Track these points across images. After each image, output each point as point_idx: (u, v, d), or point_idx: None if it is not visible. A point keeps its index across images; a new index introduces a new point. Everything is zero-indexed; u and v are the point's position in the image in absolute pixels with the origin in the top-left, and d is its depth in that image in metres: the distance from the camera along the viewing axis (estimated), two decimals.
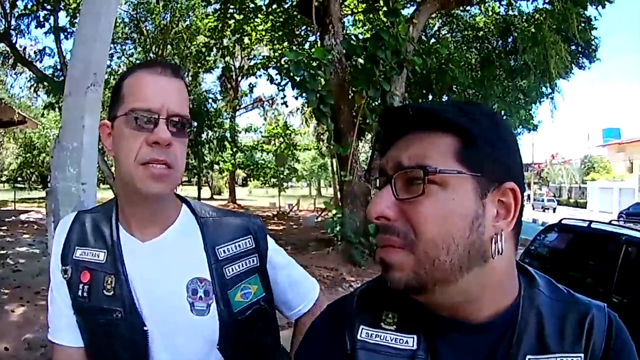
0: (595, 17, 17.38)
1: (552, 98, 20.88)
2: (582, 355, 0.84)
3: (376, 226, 0.89)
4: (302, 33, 19.59)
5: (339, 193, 12.62)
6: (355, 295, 1.03)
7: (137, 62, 24.66)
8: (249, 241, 1.46)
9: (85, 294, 1.32)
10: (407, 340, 0.92)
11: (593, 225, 6.79)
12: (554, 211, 41.35)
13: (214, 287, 1.35)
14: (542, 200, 46.87)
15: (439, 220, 0.82)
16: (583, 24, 16.99)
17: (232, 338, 1.37)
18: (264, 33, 19.72)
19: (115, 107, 1.29)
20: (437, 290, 0.84)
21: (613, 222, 7.47)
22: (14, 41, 16.19)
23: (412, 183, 0.85)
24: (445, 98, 19.16)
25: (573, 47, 18.42)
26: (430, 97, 19.54)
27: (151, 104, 1.22)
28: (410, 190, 0.85)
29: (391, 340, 0.93)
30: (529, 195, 54.84)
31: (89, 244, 1.37)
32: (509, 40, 18.54)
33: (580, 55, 19.46)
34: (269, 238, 1.54)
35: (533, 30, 16.48)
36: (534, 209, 45.09)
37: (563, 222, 7.61)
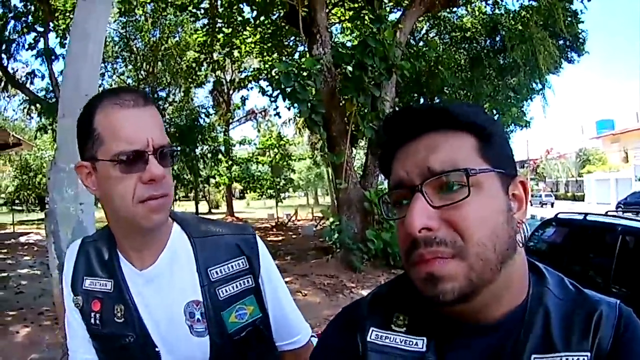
0: (581, 11, 17.44)
1: (543, 94, 20.88)
2: (589, 354, 0.80)
3: (412, 242, 0.84)
4: (291, 43, 19.58)
5: (335, 201, 12.63)
6: (368, 299, 1.04)
7: (129, 79, 24.72)
8: (242, 262, 1.44)
9: (97, 322, 1.38)
10: (416, 342, 0.93)
11: (589, 218, 6.82)
12: (552, 206, 41.17)
13: (206, 308, 1.37)
14: (540, 196, 46.67)
15: (484, 220, 0.82)
16: (569, 18, 17.07)
17: (227, 358, 1.40)
18: (253, 45, 19.76)
19: (91, 147, 1.27)
20: (480, 294, 0.84)
21: (609, 213, 7.49)
22: (4, 64, 16.19)
23: (447, 188, 0.83)
24: (436, 100, 19.20)
25: (561, 42, 18.41)
26: (421, 100, 19.56)
27: (137, 144, 1.21)
28: (445, 196, 0.83)
29: (400, 342, 0.94)
30: None
31: (96, 273, 1.41)
32: (497, 39, 18.56)
33: (569, 50, 19.41)
34: (265, 258, 1.51)
35: (520, 27, 16.58)
36: (531, 205, 44.79)
37: (559, 216, 7.65)
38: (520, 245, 0.87)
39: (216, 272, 1.40)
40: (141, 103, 1.25)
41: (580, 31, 18.56)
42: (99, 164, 1.24)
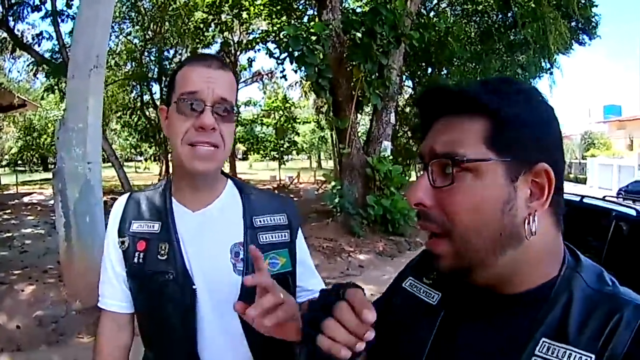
0: None
1: (551, 73, 20.71)
2: (593, 356, 0.79)
3: (417, 212, 0.94)
4: (301, 7, 19.51)
5: (338, 165, 12.64)
6: (422, 253, 1.16)
7: (135, 39, 24.57)
8: (282, 218, 1.62)
9: (141, 260, 1.51)
10: (433, 296, 1.06)
11: (585, 200, 6.85)
12: None
13: (245, 250, 1.50)
14: None
15: (472, 208, 0.86)
16: (583, 1, 16.92)
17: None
18: (262, 7, 19.69)
19: (169, 95, 1.47)
20: (477, 272, 0.90)
21: (607, 198, 7.49)
22: (11, 26, 16.12)
23: (446, 170, 0.88)
24: (444, 71, 19.13)
25: (573, 24, 18.26)
26: (429, 70, 19.51)
27: (198, 88, 1.38)
28: (444, 178, 0.88)
29: (422, 293, 1.09)
30: None
31: (144, 217, 1.57)
32: (509, 14, 18.37)
33: (580, 32, 19.30)
34: (299, 220, 1.70)
35: (533, 5, 16.35)
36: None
37: None
38: (527, 235, 0.86)
39: (259, 220, 1.58)
40: (216, 66, 1.44)
41: (593, 14, 18.41)
42: (170, 107, 1.45)
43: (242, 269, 1.50)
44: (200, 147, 1.39)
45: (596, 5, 17.99)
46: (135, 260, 1.51)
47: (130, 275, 1.53)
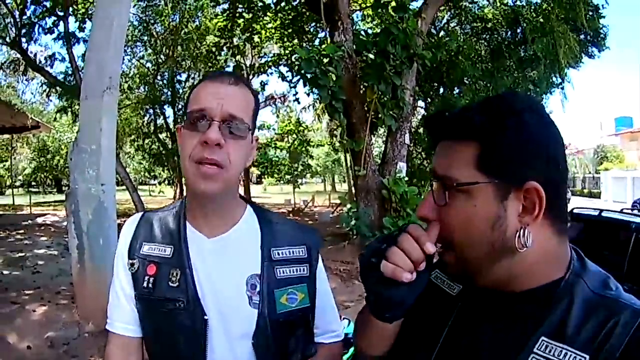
0: (602, 6, 17.20)
1: (562, 88, 20.57)
2: (588, 356, 0.84)
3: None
4: (312, 30, 19.53)
5: (353, 188, 12.62)
6: None
7: (148, 63, 24.75)
8: (302, 250, 1.56)
9: (150, 285, 1.46)
10: (455, 288, 1.17)
11: (604, 214, 6.81)
12: (569, 201, 40.94)
13: (261, 283, 1.46)
14: None
15: (464, 225, 0.96)
16: (591, 13, 16.85)
17: (268, 335, 1.46)
18: (273, 31, 19.71)
19: (185, 114, 1.45)
20: (479, 279, 1.02)
21: (624, 211, 7.45)
22: (24, 48, 16.31)
23: (443, 191, 0.98)
24: (456, 91, 19.11)
25: (582, 37, 18.20)
26: (441, 90, 19.48)
27: (206, 105, 1.35)
28: (442, 197, 0.99)
29: (445, 284, 1.20)
30: None
31: (156, 239, 1.51)
32: (518, 30, 18.35)
33: (589, 44, 19.19)
34: (320, 254, 1.64)
35: (541, 20, 16.34)
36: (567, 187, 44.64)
37: (575, 211, 7.64)
38: (519, 247, 0.93)
39: (278, 252, 1.52)
40: (229, 81, 1.40)
41: (601, 26, 18.30)
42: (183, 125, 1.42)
43: (257, 302, 1.46)
44: (204, 165, 1.33)
45: (603, 17, 17.92)
46: (145, 284, 1.46)
47: (139, 299, 1.48)
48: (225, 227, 1.51)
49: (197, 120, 1.36)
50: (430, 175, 1.05)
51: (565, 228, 1.01)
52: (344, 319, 4.37)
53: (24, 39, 15.89)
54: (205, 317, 1.42)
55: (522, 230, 0.93)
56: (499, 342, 0.97)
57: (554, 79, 19.67)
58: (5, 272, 9.83)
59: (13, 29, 15.92)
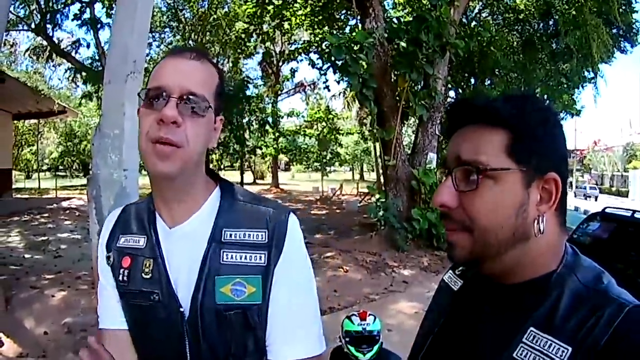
0: (636, 0, 17.00)
1: (594, 82, 20.48)
2: (571, 348, 0.86)
3: (440, 212, 1.06)
4: (342, 17, 19.45)
5: (382, 177, 12.51)
6: None
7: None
8: (262, 235, 1.32)
9: (125, 278, 1.35)
10: (458, 284, 1.23)
11: (637, 215, 6.68)
12: (596, 199, 40.50)
13: (201, 266, 1.28)
14: (585, 188, 45.94)
15: (491, 211, 0.97)
16: (624, 7, 16.74)
17: (197, 327, 1.29)
18: (303, 18, 19.59)
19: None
20: (488, 264, 1.02)
21: None
22: (50, 34, 16.46)
23: (469, 176, 0.98)
24: (487, 82, 18.95)
25: (614, 31, 18.07)
26: (472, 80, 19.36)
27: (163, 82, 1.24)
28: (467, 183, 0.99)
29: (452, 282, 1.26)
30: (571, 183, 53.85)
31: (131, 230, 1.40)
32: (550, 22, 18.22)
33: (622, 39, 19.09)
34: (293, 244, 1.36)
35: (574, 12, 16.13)
36: (575, 196, 44.30)
37: (606, 210, 7.50)
38: (536, 233, 0.97)
39: (229, 234, 1.31)
40: (189, 56, 1.28)
41: (634, 21, 18.18)
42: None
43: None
44: (159, 145, 1.21)
45: (636, 11, 17.78)
46: (120, 277, 1.36)
47: (119, 293, 1.38)
48: (185, 215, 1.35)
49: (154, 98, 1.24)
50: (446, 161, 1.06)
51: (565, 222, 1.06)
52: (369, 315, 4.26)
53: (49, 26, 16.01)
54: (181, 309, 1.28)
55: (540, 218, 0.97)
56: (494, 332, 1.01)
57: (586, 73, 19.52)
58: (27, 255, 9.98)
59: (39, 15, 16.03)
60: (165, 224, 1.35)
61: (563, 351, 0.87)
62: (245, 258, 1.28)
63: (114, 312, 1.39)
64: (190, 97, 1.24)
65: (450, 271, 1.30)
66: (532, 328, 0.93)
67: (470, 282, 1.18)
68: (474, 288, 1.15)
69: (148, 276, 1.31)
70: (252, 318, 1.28)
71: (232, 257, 1.28)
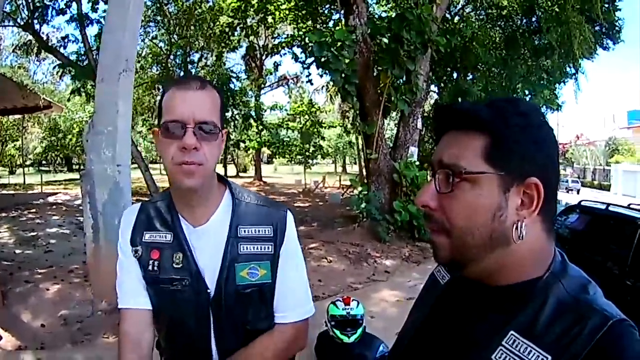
0: None
1: (576, 79, 20.53)
2: (550, 357, 0.87)
3: (423, 213, 1.07)
4: (326, 11, 19.36)
5: (364, 170, 12.64)
6: None
7: (161, 43, 24.74)
8: (268, 229, 1.70)
9: (155, 268, 1.66)
10: (445, 278, 1.26)
11: (610, 208, 6.86)
12: (578, 193, 40.36)
13: (223, 255, 1.64)
14: (567, 182, 45.82)
15: (467, 213, 0.99)
16: (607, 5, 16.80)
17: (221, 304, 1.65)
18: (287, 12, 19.65)
19: (159, 118, 1.59)
20: (470, 267, 1.03)
21: (632, 206, 7.44)
22: (37, 29, 16.31)
23: (449, 179, 1.00)
24: (469, 77, 19.05)
25: (597, 28, 18.10)
26: (455, 75, 19.43)
27: (179, 116, 1.49)
28: (447, 185, 1.00)
29: (440, 275, 1.30)
30: None
31: (156, 228, 1.70)
32: (533, 19, 18.25)
33: (604, 37, 19.12)
34: (291, 236, 1.76)
35: (557, 9, 16.22)
36: (558, 189, 44.45)
37: (583, 203, 7.69)
38: (515, 239, 0.98)
39: (244, 230, 1.68)
40: (195, 87, 1.54)
41: (616, 19, 18.23)
42: (159, 130, 1.56)
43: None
44: (185, 166, 1.50)
45: (619, 9, 17.85)
46: (150, 267, 1.66)
47: (147, 281, 1.68)
48: (205, 216, 1.68)
49: (172, 128, 1.50)
50: (432, 163, 1.08)
51: (553, 228, 1.06)
52: (353, 300, 4.46)
53: (36, 21, 15.87)
54: (208, 291, 1.64)
55: (519, 223, 0.97)
56: (475, 332, 1.02)
57: (568, 69, 19.61)
58: (17, 251, 10.01)
59: (25, 10, 15.87)
60: (189, 224, 1.67)
61: (542, 359, 0.88)
62: (257, 248, 1.68)
63: (135, 294, 1.69)
64: (203, 125, 1.51)
65: (440, 267, 1.32)
66: (513, 332, 0.93)
67: (457, 279, 1.19)
68: (460, 285, 1.16)
69: (179, 266, 1.63)
70: (265, 293, 1.69)
71: (247, 248, 1.66)
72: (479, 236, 0.98)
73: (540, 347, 0.89)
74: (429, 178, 1.24)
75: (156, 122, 1.66)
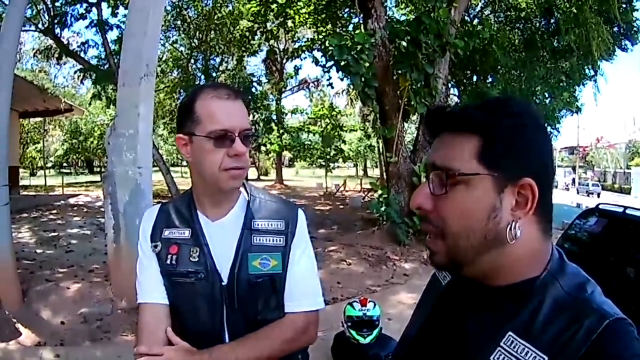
0: None
1: (595, 80, 20.34)
2: (547, 357, 0.88)
3: (419, 215, 1.10)
4: (346, 15, 19.49)
5: (384, 174, 12.66)
6: None
7: (181, 47, 24.87)
8: (280, 224, 1.82)
9: (174, 262, 1.76)
10: (446, 278, 1.27)
11: (628, 211, 6.83)
12: (598, 196, 39.97)
13: (237, 246, 1.75)
14: (587, 185, 45.46)
15: (461, 214, 1.00)
16: (624, 6, 16.71)
17: (233, 292, 1.75)
18: (307, 16, 19.70)
19: (190, 125, 1.67)
20: (466, 269, 1.04)
21: None
22: (57, 34, 16.53)
23: (443, 181, 1.01)
24: (489, 79, 18.99)
25: (615, 29, 17.97)
26: (474, 78, 19.36)
27: (228, 126, 1.63)
28: (441, 187, 1.01)
29: (442, 276, 1.30)
30: (573, 179, 53.59)
31: (175, 224, 1.82)
32: (552, 21, 18.13)
33: (623, 38, 18.93)
34: (302, 231, 1.87)
35: (575, 10, 16.12)
36: (578, 193, 43.95)
37: (600, 206, 7.66)
38: (509, 239, 0.98)
39: (257, 224, 1.80)
40: (233, 97, 1.67)
41: (634, 19, 18.08)
42: (196, 138, 1.66)
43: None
44: (234, 171, 1.66)
45: (637, 10, 17.69)
46: (168, 261, 1.76)
47: (164, 275, 1.77)
48: (225, 211, 1.82)
49: (221, 137, 1.63)
50: (427, 166, 1.09)
51: (550, 228, 1.05)
52: (369, 301, 4.52)
53: (56, 26, 16.10)
54: (223, 283, 1.74)
55: (513, 223, 0.97)
56: (474, 332, 1.03)
57: (587, 71, 19.45)
58: (39, 250, 10.14)
59: (46, 15, 16.11)
60: (208, 218, 1.80)
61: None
62: (269, 241, 1.78)
63: (154, 289, 1.78)
64: (246, 132, 1.67)
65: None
66: (510, 333, 0.94)
67: (458, 279, 1.19)
68: (460, 285, 1.16)
69: (195, 260, 1.74)
70: (276, 283, 1.77)
71: (259, 240, 1.77)
72: (474, 238, 0.99)
73: (537, 347, 0.90)
74: (422, 180, 1.26)
75: (177, 126, 1.78)
